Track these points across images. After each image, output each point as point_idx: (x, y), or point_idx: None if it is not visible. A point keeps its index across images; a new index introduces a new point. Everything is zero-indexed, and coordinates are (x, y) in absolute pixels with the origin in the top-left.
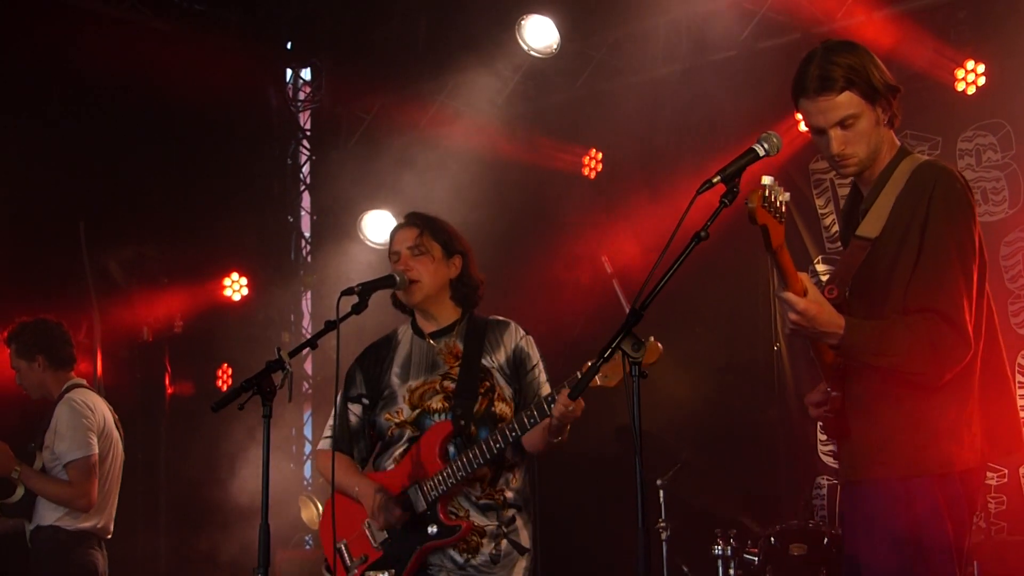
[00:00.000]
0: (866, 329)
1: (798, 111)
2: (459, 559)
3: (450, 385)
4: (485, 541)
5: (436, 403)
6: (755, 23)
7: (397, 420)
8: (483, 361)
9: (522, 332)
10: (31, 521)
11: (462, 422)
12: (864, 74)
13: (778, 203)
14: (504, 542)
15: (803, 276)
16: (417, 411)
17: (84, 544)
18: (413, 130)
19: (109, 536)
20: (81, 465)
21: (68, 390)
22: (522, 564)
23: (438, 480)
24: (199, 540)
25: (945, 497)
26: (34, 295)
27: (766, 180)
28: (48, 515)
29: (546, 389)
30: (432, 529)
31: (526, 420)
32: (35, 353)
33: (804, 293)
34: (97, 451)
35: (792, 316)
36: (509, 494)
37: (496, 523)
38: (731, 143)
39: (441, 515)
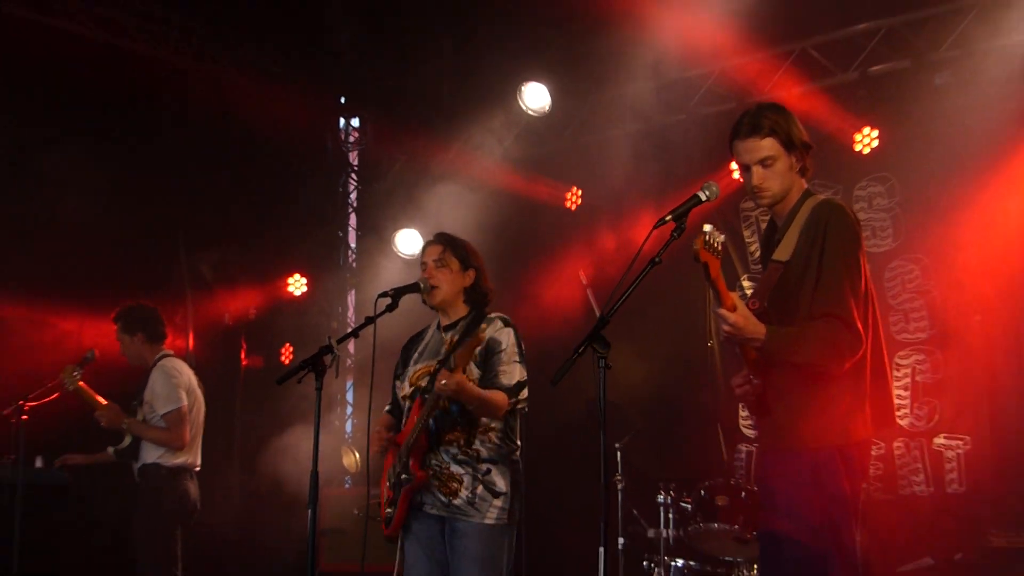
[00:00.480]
0: (782, 334)
1: (732, 152)
2: (443, 499)
3: (435, 366)
4: (463, 487)
5: (423, 382)
6: (701, 93)
7: (402, 394)
8: (458, 351)
9: (501, 325)
10: (137, 460)
11: (425, 396)
12: (785, 127)
13: (716, 244)
14: (480, 487)
15: (733, 296)
16: (412, 388)
17: (180, 476)
18: (437, 168)
19: (198, 469)
20: (174, 414)
21: (160, 359)
22: (497, 504)
23: (407, 440)
24: (264, 479)
25: (844, 463)
26: (141, 287)
27: (707, 228)
28: (151, 455)
29: (503, 373)
30: (404, 476)
31: (435, 398)
32: (136, 330)
33: (734, 309)
34: (185, 403)
35: (725, 327)
36: (483, 451)
37: (472, 473)
38: (681, 188)
39: (412, 466)
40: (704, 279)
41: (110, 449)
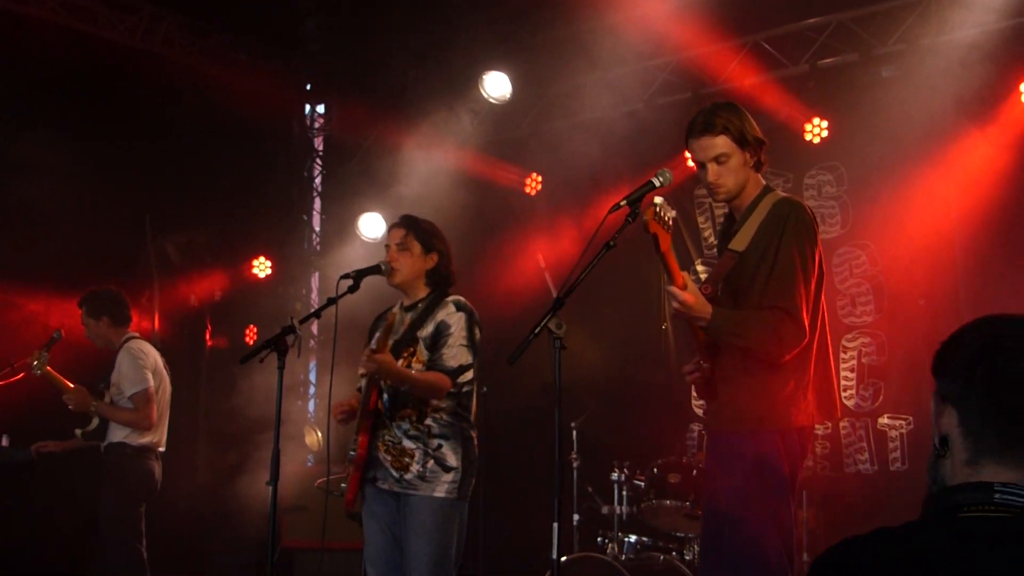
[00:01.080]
0: (728, 316)
1: (687, 148)
2: (395, 474)
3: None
4: (414, 462)
5: None
6: (657, 84)
7: (361, 372)
8: (417, 332)
9: (453, 309)
10: (104, 440)
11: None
12: (738, 125)
13: (666, 218)
14: (431, 462)
15: (684, 274)
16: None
17: (144, 455)
18: (400, 153)
19: (162, 449)
20: (141, 395)
21: (127, 341)
22: (447, 478)
23: (359, 418)
24: (227, 457)
25: (785, 446)
26: (108, 269)
27: (657, 200)
28: (117, 434)
29: (447, 356)
30: (351, 451)
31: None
32: (101, 313)
33: (684, 287)
34: (152, 384)
35: (675, 304)
36: (435, 427)
37: (423, 448)
38: (636, 174)
39: (359, 443)
40: (654, 251)
41: (77, 432)
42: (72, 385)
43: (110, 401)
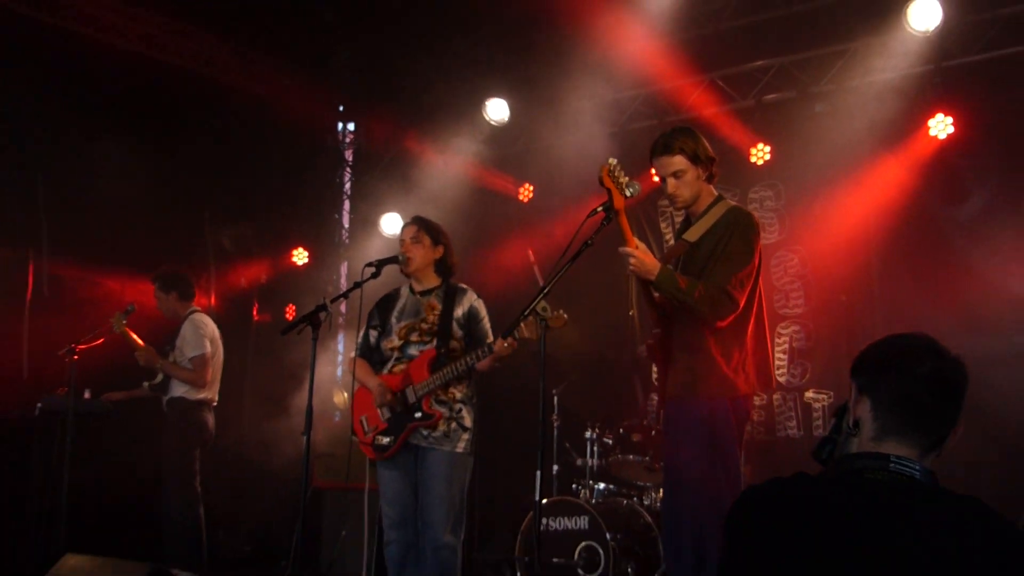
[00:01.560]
0: (673, 275)
1: (652, 165)
2: (425, 433)
3: (425, 326)
4: (441, 423)
5: (414, 337)
6: (630, 112)
7: (390, 347)
8: (453, 315)
9: (475, 296)
10: (166, 394)
11: (441, 351)
12: (692, 146)
13: (621, 178)
14: (454, 423)
15: (637, 241)
16: (402, 342)
17: (200, 408)
18: (416, 164)
19: (215, 404)
20: (199, 359)
21: (190, 313)
22: (465, 437)
23: (424, 384)
24: (268, 411)
25: (733, 412)
26: (174, 255)
27: (611, 160)
28: (177, 390)
29: (489, 336)
30: (418, 414)
31: (480, 354)
32: (171, 289)
33: (636, 247)
34: (209, 350)
35: (631, 261)
36: (458, 395)
37: (449, 412)
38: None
39: (425, 407)
40: (608, 210)
41: (145, 384)
42: (143, 344)
43: (173, 361)
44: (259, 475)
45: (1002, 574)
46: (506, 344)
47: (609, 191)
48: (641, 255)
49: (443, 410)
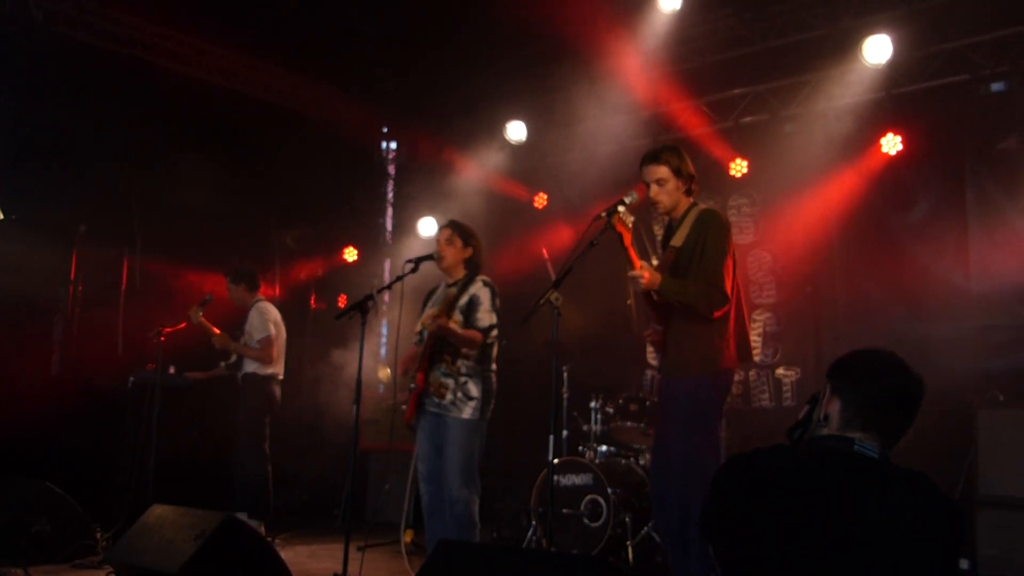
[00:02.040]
0: (673, 282)
1: (641, 173)
2: (436, 400)
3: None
4: (448, 392)
5: (429, 321)
6: (629, 132)
7: (417, 329)
8: (456, 303)
9: (481, 285)
10: (240, 371)
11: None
12: (676, 161)
13: (627, 222)
14: (460, 393)
15: (641, 262)
16: (422, 326)
17: (269, 382)
18: (448, 175)
19: (281, 378)
20: (265, 340)
21: (256, 302)
22: (471, 404)
23: (418, 361)
24: (324, 384)
25: (716, 386)
26: (244, 254)
27: (620, 208)
28: (249, 367)
29: (481, 322)
30: (412, 385)
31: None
32: (240, 280)
33: (642, 268)
34: (273, 332)
35: (641, 282)
36: (463, 368)
37: (454, 383)
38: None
39: (417, 379)
40: (619, 245)
41: (223, 364)
42: (218, 331)
43: (244, 343)
44: (315, 438)
45: (939, 536)
46: (430, 322)
47: (620, 234)
48: (647, 275)
49: (449, 381)
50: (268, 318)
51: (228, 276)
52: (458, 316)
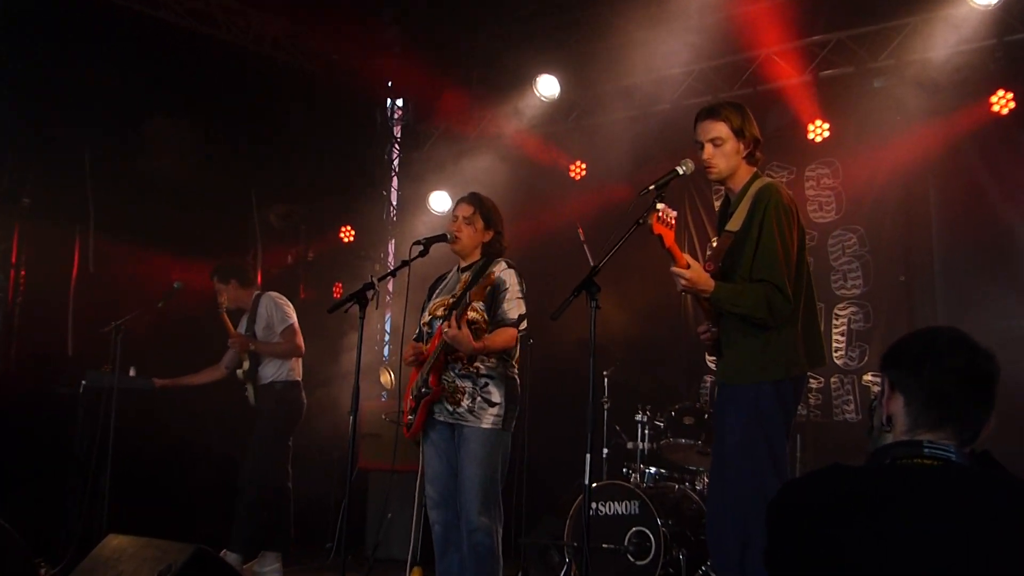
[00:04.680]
0: (727, 288)
1: (694, 131)
2: (449, 408)
3: (451, 300)
4: (464, 397)
5: (440, 311)
6: (683, 88)
7: (423, 322)
8: (469, 292)
9: (505, 266)
10: (256, 382)
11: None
12: (738, 119)
13: (668, 219)
14: (479, 398)
15: (686, 256)
16: (430, 317)
17: (294, 389)
18: (464, 142)
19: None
20: (289, 329)
21: (260, 295)
22: (492, 412)
23: (430, 361)
24: (317, 388)
25: (779, 395)
26: (220, 233)
27: (659, 206)
28: (268, 375)
29: (510, 313)
30: (424, 389)
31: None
32: (229, 278)
33: (688, 267)
34: (295, 319)
35: (682, 281)
36: (483, 369)
37: (472, 386)
38: (664, 162)
39: (432, 381)
40: (661, 248)
41: (239, 372)
42: (235, 331)
43: (264, 341)
44: (305, 455)
45: None
46: (447, 330)
47: (660, 236)
48: (692, 275)
49: (466, 383)
50: (284, 304)
51: (215, 275)
52: (478, 305)
